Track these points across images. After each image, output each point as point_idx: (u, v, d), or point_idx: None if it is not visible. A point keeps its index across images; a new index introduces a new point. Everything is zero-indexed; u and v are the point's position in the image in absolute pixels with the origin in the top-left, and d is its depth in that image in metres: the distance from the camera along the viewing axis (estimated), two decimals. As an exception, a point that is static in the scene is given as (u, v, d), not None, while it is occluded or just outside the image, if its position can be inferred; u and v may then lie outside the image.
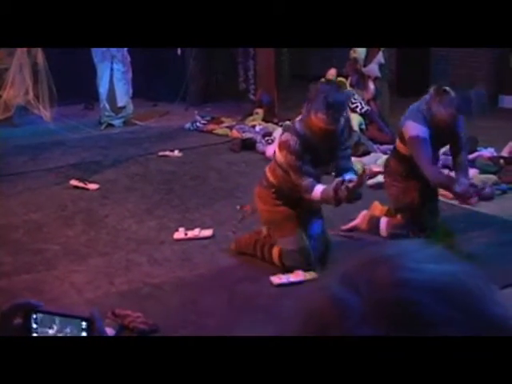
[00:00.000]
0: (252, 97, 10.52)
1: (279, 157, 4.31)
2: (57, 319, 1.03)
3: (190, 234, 5.10)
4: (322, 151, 4.23)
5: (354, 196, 4.08)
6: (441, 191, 5.26)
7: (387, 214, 5.09)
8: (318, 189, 4.11)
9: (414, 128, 4.50)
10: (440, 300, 0.62)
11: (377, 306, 0.63)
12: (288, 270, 4.37)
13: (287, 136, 4.23)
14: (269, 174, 4.47)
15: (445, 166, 6.38)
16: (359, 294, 0.64)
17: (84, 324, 1.01)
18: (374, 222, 5.02)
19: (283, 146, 4.23)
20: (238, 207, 5.63)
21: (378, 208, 5.19)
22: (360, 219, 5.07)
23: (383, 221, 4.98)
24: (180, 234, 5.12)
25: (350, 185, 3.99)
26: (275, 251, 4.50)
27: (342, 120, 4.24)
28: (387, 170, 5.03)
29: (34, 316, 1.03)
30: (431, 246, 0.70)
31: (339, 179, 4.10)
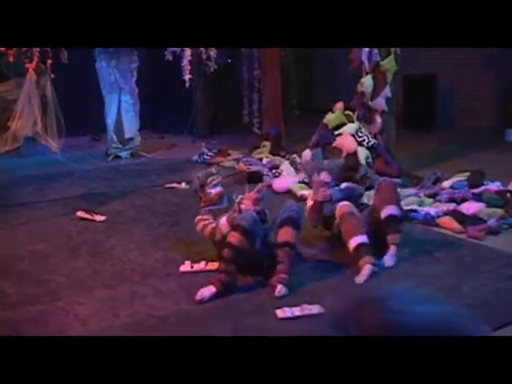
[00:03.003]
0: (256, 130, 10.56)
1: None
2: None
3: (196, 266, 5.11)
4: None
5: None
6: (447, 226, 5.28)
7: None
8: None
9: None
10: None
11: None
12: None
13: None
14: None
15: (451, 200, 6.37)
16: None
17: None
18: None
19: None
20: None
21: None
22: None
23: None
24: (186, 266, 5.12)
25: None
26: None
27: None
28: None
29: None
30: (418, 288, 0.71)
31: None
